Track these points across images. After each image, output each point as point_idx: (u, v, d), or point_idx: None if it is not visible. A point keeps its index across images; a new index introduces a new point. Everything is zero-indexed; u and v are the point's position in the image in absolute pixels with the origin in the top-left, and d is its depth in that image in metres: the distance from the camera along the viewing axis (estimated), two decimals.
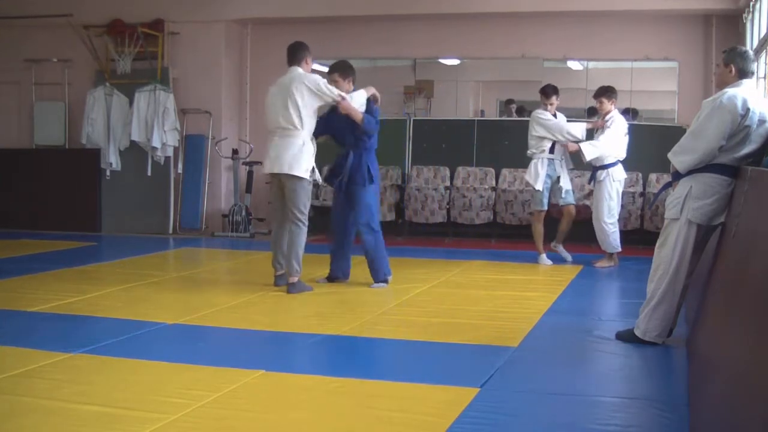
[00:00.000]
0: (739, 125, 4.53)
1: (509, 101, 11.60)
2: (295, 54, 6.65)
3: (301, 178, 6.48)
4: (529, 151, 8.38)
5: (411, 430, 3.47)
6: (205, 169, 11.26)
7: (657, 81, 10.78)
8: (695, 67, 10.18)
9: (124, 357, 4.58)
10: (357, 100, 6.67)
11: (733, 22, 9.65)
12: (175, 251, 9.80)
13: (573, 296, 6.68)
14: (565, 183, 8.42)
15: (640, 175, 9.92)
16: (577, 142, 8.20)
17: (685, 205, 4.69)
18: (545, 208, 8.34)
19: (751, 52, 4.91)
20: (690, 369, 4.30)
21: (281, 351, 4.90)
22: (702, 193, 4.64)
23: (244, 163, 11.05)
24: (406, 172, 10.89)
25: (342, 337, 5.10)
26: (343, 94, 6.58)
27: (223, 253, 9.58)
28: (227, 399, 3.82)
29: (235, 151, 11.08)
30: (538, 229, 8.39)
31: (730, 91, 4.61)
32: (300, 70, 6.59)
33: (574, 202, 8.48)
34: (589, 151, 8.09)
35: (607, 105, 8.18)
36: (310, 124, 6.55)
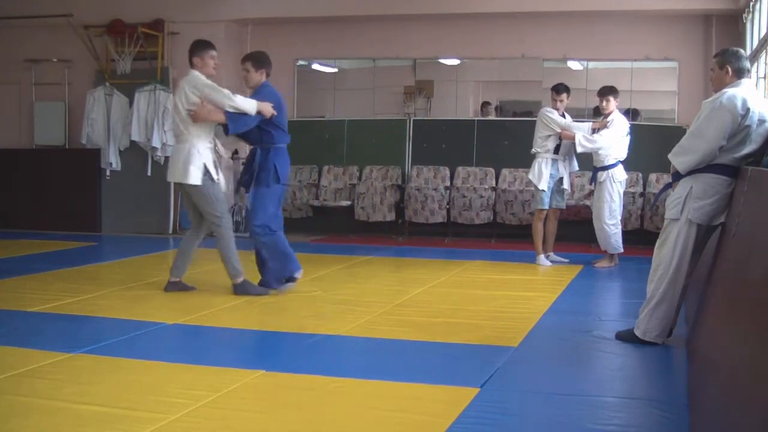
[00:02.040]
0: (739, 125, 4.53)
1: (485, 103, 11.59)
2: (189, 54, 6.38)
3: (194, 186, 6.26)
4: (533, 149, 8.38)
5: (411, 430, 3.47)
6: None
7: (657, 81, 10.78)
8: (695, 67, 10.18)
9: (124, 357, 4.58)
10: (242, 104, 6.27)
11: (733, 22, 9.66)
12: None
13: (573, 296, 6.68)
14: (567, 185, 8.46)
15: (640, 175, 9.92)
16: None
17: (686, 205, 4.69)
18: (547, 207, 8.34)
19: (743, 51, 4.91)
20: (690, 369, 4.30)
21: (281, 351, 4.90)
22: (702, 193, 4.64)
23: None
24: (406, 172, 10.89)
25: (342, 337, 5.10)
26: (205, 101, 6.18)
27: None
28: (227, 399, 3.82)
29: (235, 151, 11.07)
30: (539, 229, 8.39)
31: (729, 92, 4.61)
32: (194, 72, 6.29)
33: (564, 207, 8.58)
34: (583, 143, 8.08)
35: (613, 104, 8.17)
36: (198, 128, 6.24)
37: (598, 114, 8.81)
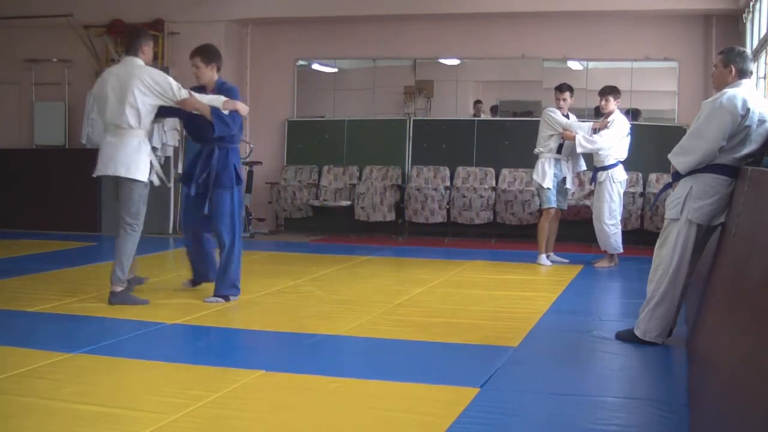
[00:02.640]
0: (739, 125, 4.53)
1: (477, 102, 11.58)
2: (132, 42, 6.01)
3: (137, 181, 5.91)
4: (536, 149, 8.37)
5: (411, 430, 3.47)
6: None
7: (657, 81, 10.78)
8: (695, 67, 10.18)
9: (124, 357, 4.58)
10: (206, 99, 5.98)
11: (733, 22, 9.65)
12: (175, 251, 9.79)
13: (573, 296, 6.68)
14: (570, 185, 8.48)
15: (640, 175, 9.92)
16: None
17: (686, 206, 4.69)
18: (554, 205, 8.33)
19: (748, 52, 4.92)
20: (690, 369, 4.30)
21: (281, 351, 4.90)
22: (702, 193, 4.64)
23: (244, 163, 11.03)
24: (406, 172, 10.89)
25: (342, 337, 5.10)
26: (192, 94, 5.94)
27: None
28: (227, 399, 3.82)
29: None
30: (545, 228, 8.35)
31: (729, 92, 4.61)
32: (138, 61, 5.94)
33: (566, 207, 8.59)
34: (583, 144, 8.08)
35: (613, 104, 8.16)
36: (147, 122, 5.97)
37: (599, 114, 8.80)
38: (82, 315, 5.66)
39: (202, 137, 6.18)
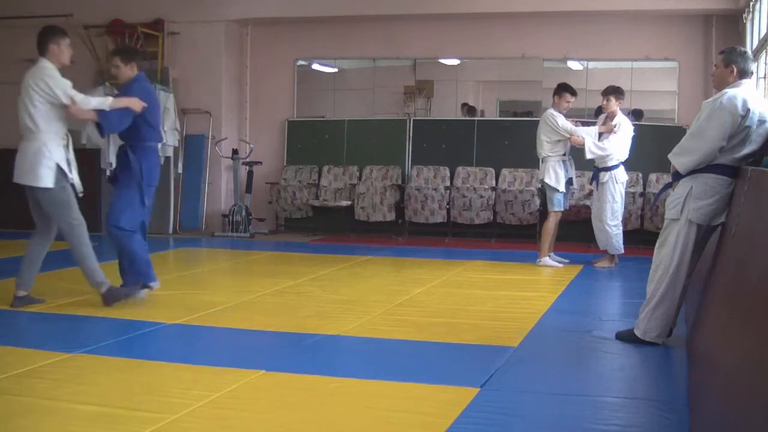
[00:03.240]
0: (740, 126, 4.53)
1: (465, 105, 11.51)
2: (39, 41, 5.77)
3: (44, 189, 5.70)
4: (542, 153, 8.21)
5: (411, 430, 3.47)
6: (205, 169, 11.27)
7: (657, 81, 10.78)
8: (695, 67, 10.18)
9: (124, 357, 4.58)
10: (93, 103, 5.81)
11: (733, 22, 9.65)
12: (175, 251, 9.80)
13: (573, 296, 6.68)
14: (574, 185, 8.48)
15: (640, 175, 9.92)
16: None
17: (686, 206, 4.69)
18: (564, 208, 8.31)
19: (750, 53, 4.91)
20: (690, 369, 4.30)
21: (281, 351, 4.90)
22: (703, 193, 4.64)
23: (244, 163, 11.05)
24: (406, 172, 10.90)
25: (342, 337, 5.10)
26: (78, 96, 5.70)
27: (223, 253, 9.58)
28: (227, 399, 3.82)
29: (235, 151, 11.07)
30: (551, 229, 8.28)
31: (730, 92, 4.60)
32: (45, 62, 5.72)
33: (567, 207, 8.53)
34: (594, 151, 8.04)
35: (614, 104, 8.11)
36: (49, 125, 5.73)
37: (599, 113, 8.77)
38: (82, 315, 5.67)
39: (121, 137, 6.20)
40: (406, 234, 10.70)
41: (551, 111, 8.25)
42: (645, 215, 9.67)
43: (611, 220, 8.11)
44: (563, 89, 8.22)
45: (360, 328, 5.34)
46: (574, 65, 10.83)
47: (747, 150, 4.56)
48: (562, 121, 8.14)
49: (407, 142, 10.99)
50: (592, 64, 10.79)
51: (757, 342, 2.47)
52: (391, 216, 10.57)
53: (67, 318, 5.59)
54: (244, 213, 10.68)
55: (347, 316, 5.66)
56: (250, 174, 10.96)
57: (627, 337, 5.02)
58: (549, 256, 8.37)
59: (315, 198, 10.93)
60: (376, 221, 10.60)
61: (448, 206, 10.37)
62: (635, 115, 10.09)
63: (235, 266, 8.88)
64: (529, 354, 4.76)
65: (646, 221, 9.66)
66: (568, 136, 8.14)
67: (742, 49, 4.87)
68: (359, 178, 10.92)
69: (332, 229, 10.97)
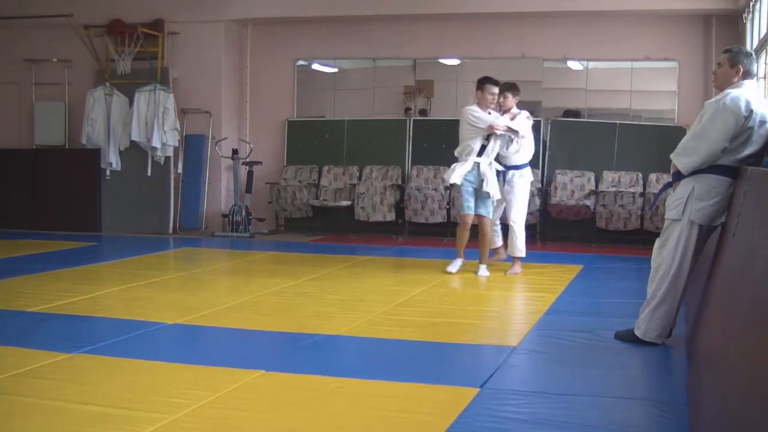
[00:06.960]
0: (743, 127, 4.52)
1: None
2: None
3: None
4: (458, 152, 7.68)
5: (411, 430, 3.48)
6: (205, 169, 11.27)
7: (657, 81, 10.77)
8: (695, 67, 10.18)
9: (124, 357, 4.58)
10: None
11: (733, 22, 9.65)
12: (175, 251, 9.81)
13: (573, 296, 6.68)
14: (492, 189, 7.53)
15: (640, 175, 9.91)
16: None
17: (688, 206, 4.68)
18: (468, 212, 7.54)
19: (753, 54, 4.91)
20: (690, 369, 4.30)
21: (281, 351, 4.90)
22: (705, 194, 4.64)
23: (244, 163, 11.05)
24: (406, 172, 10.90)
25: (342, 337, 5.10)
26: None
27: (223, 253, 9.59)
28: (227, 399, 3.82)
29: (235, 151, 11.08)
30: (463, 235, 7.65)
31: (733, 93, 4.60)
32: None
33: (490, 216, 7.65)
34: (515, 129, 7.45)
35: (511, 101, 7.65)
36: None
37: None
38: (82, 315, 5.66)
39: None
40: (406, 234, 10.70)
41: (470, 107, 7.61)
42: (645, 215, 9.66)
43: (519, 220, 7.67)
44: (485, 81, 7.53)
45: (360, 328, 5.34)
46: (574, 65, 10.83)
47: (749, 151, 4.55)
48: (481, 113, 7.49)
49: (407, 142, 10.99)
50: (592, 64, 10.79)
51: (757, 342, 2.47)
52: (391, 216, 10.57)
53: (67, 318, 5.59)
54: (244, 213, 10.68)
55: (347, 316, 5.66)
56: (250, 174, 10.96)
57: (627, 337, 5.02)
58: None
59: (315, 198, 10.93)
60: (376, 221, 10.60)
61: (448, 206, 10.36)
62: (573, 115, 9.96)
63: (235, 266, 8.88)
64: (529, 354, 4.77)
65: (646, 221, 9.65)
66: (486, 125, 7.43)
67: (748, 50, 4.87)
68: (359, 178, 10.92)
69: (332, 229, 10.97)
